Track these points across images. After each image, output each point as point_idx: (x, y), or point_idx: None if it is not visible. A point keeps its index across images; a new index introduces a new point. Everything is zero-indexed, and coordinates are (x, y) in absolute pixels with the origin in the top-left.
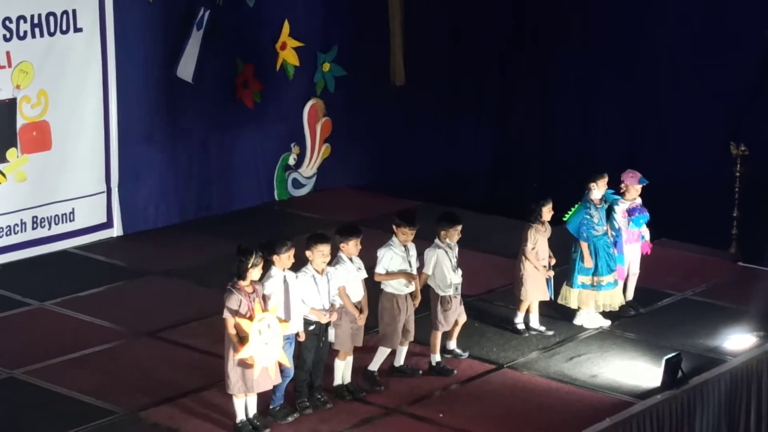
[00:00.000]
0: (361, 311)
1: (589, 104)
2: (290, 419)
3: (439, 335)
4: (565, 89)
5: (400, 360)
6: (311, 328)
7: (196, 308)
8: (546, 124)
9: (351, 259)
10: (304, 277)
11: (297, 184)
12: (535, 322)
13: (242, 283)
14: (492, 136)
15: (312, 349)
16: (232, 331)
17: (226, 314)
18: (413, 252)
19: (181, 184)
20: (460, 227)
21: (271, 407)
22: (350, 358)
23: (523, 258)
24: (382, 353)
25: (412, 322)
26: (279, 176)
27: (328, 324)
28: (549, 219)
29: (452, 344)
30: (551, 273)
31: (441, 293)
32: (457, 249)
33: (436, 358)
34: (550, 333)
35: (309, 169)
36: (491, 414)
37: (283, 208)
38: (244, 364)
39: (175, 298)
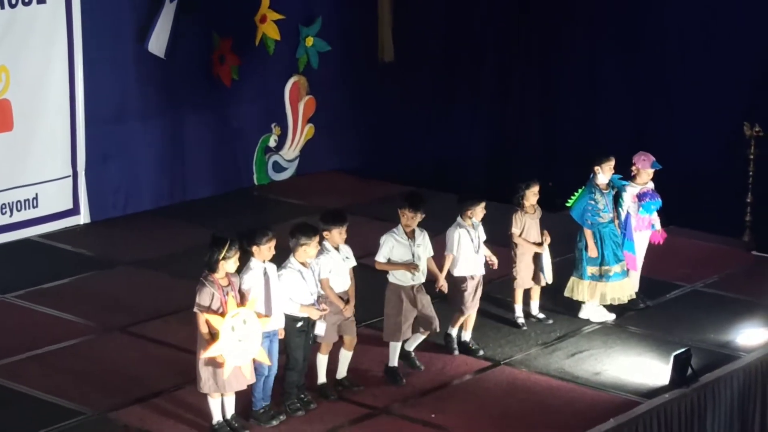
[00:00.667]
0: (347, 302)
1: (593, 84)
2: (275, 422)
3: (462, 318)
4: (568, 68)
5: (411, 345)
6: (299, 324)
7: (169, 301)
8: (547, 105)
9: (337, 248)
10: (290, 273)
11: (278, 168)
12: (535, 309)
13: (216, 275)
14: (490, 117)
15: (302, 346)
16: (203, 328)
17: (197, 309)
18: (421, 240)
19: (154, 168)
20: (484, 203)
21: (253, 409)
22: (349, 354)
23: (514, 244)
24: (393, 347)
25: (430, 309)
26: (258, 159)
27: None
28: (535, 202)
29: (467, 335)
30: (542, 248)
31: (458, 273)
32: (481, 228)
33: (454, 331)
34: (550, 321)
35: (291, 151)
36: (487, 414)
37: (263, 193)
38: (215, 363)
39: (147, 290)
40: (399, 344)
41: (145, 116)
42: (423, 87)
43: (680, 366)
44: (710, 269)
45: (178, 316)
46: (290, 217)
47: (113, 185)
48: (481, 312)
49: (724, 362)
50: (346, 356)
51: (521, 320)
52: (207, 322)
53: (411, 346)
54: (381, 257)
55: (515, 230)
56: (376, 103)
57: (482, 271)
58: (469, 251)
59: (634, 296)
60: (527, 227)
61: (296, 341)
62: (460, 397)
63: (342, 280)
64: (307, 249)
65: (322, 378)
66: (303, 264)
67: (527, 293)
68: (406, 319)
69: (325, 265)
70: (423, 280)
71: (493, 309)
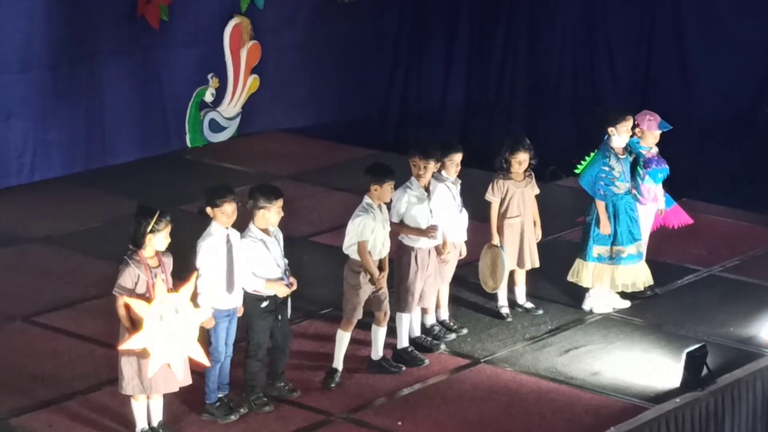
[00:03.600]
0: (381, 269)
1: (592, 25)
2: (234, 417)
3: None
4: (560, 9)
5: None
6: (264, 304)
7: (84, 285)
8: (536, 52)
9: (380, 207)
10: (251, 243)
11: (216, 127)
12: (521, 296)
13: (144, 253)
14: (466, 67)
15: (266, 331)
16: (122, 312)
17: (117, 291)
18: (435, 197)
19: (67, 127)
20: (460, 157)
21: (207, 402)
22: (382, 330)
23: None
24: (401, 320)
25: (432, 281)
26: (192, 116)
27: (285, 299)
28: (520, 170)
29: (443, 314)
30: (491, 246)
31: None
32: (459, 185)
33: (430, 320)
34: (539, 312)
35: (231, 107)
36: (463, 421)
37: (198, 157)
38: (139, 358)
39: (58, 273)
40: (408, 317)
41: (57, 65)
42: (389, 31)
43: (694, 365)
44: (730, 250)
45: (94, 304)
46: (231, 184)
47: (17, 147)
48: (457, 300)
49: (746, 361)
50: (379, 333)
51: (505, 310)
52: (127, 307)
53: (404, 342)
54: (394, 216)
55: (491, 197)
56: (333, 50)
57: (464, 237)
58: (451, 211)
59: (651, 282)
60: (510, 197)
61: (260, 324)
62: (432, 400)
63: (382, 245)
64: (266, 214)
65: (337, 363)
66: (265, 231)
67: (511, 278)
68: (416, 287)
69: (366, 226)
70: (438, 241)
71: (472, 296)
